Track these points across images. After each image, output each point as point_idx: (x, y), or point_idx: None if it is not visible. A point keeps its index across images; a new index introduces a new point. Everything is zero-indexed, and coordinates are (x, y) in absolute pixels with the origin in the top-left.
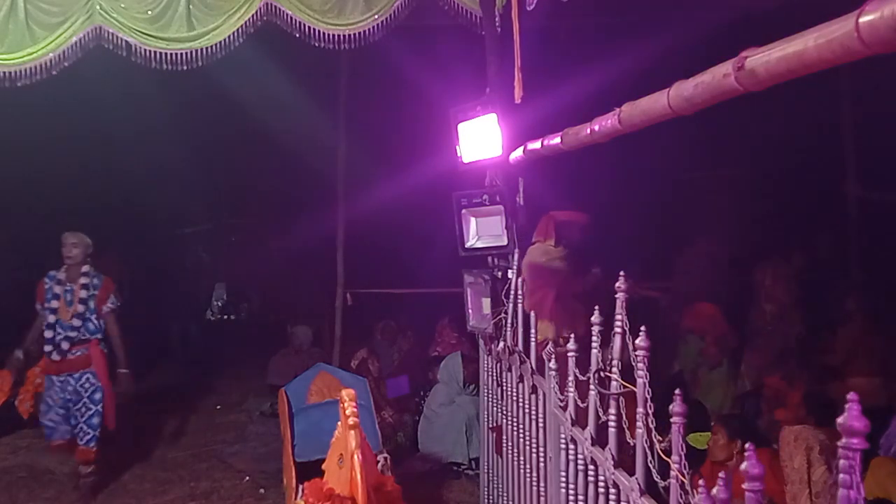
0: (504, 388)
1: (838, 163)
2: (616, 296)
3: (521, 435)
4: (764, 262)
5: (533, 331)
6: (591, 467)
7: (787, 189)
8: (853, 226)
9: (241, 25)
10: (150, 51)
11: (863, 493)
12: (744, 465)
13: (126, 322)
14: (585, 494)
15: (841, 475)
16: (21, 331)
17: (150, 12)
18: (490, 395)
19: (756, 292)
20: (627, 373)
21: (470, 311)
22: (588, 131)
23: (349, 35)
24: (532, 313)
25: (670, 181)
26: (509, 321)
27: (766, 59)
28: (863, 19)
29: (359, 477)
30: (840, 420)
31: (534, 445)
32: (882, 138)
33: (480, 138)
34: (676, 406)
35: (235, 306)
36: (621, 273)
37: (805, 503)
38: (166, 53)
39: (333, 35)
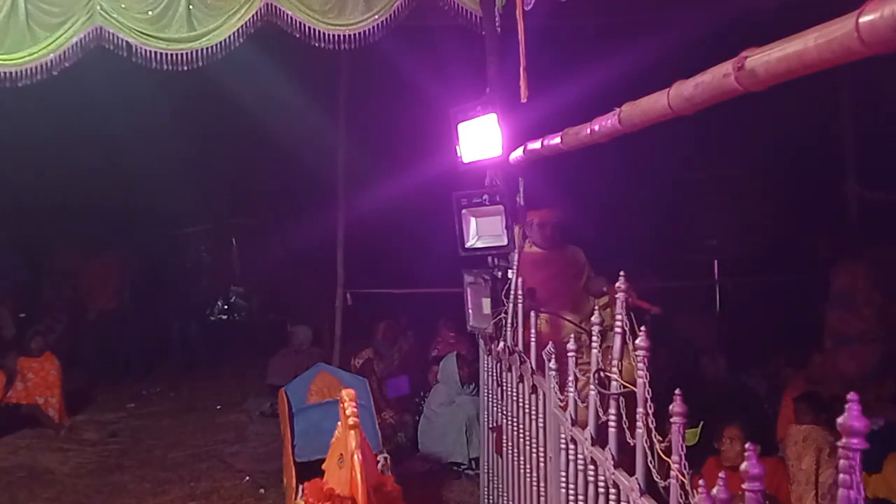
0: (504, 388)
1: (838, 163)
2: (616, 296)
3: (521, 435)
4: (846, 262)
5: (533, 330)
6: (591, 467)
7: (787, 189)
8: (853, 225)
9: (242, 26)
10: (150, 51)
11: (863, 493)
12: (744, 465)
13: (127, 322)
14: (585, 494)
15: (841, 475)
16: (22, 330)
17: (150, 13)
18: (490, 395)
19: (846, 296)
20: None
21: (470, 311)
22: (588, 131)
23: (349, 35)
24: (533, 313)
25: (670, 181)
26: (509, 321)
27: (766, 59)
28: (863, 19)
29: (359, 477)
30: (840, 420)
31: (534, 445)
32: (882, 138)
33: (480, 138)
34: (676, 406)
35: (235, 306)
36: (621, 273)
37: None
38: (166, 54)
39: (333, 35)
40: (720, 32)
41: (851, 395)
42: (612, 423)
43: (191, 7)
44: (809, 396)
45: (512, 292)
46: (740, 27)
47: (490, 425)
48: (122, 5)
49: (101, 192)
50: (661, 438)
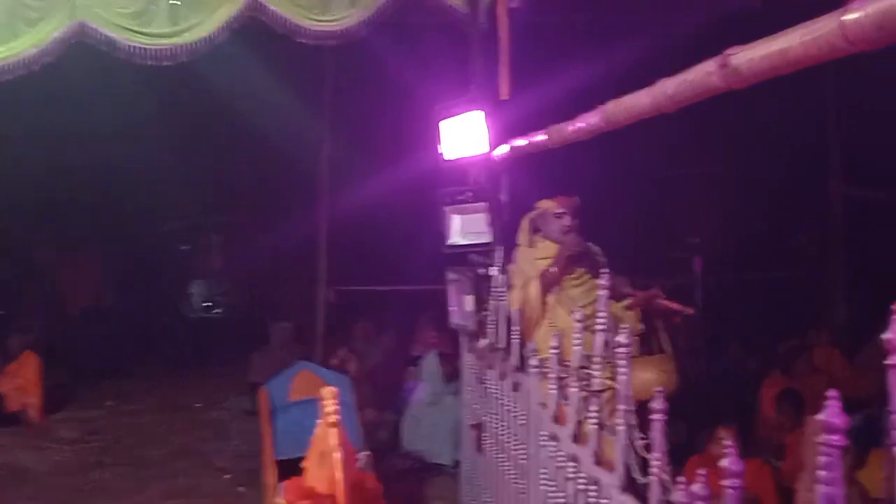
0: (485, 385)
1: (823, 160)
2: (598, 293)
3: (502, 432)
4: None
5: (516, 328)
6: (571, 464)
7: (771, 186)
8: (837, 223)
9: (225, 21)
10: (132, 46)
11: (843, 491)
12: (723, 462)
13: (107, 320)
14: (565, 491)
15: (821, 472)
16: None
17: (132, 7)
18: (471, 393)
19: None
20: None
21: (453, 308)
22: (573, 128)
23: (334, 32)
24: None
25: (653, 178)
26: (492, 319)
27: (749, 56)
28: (847, 17)
29: (339, 475)
30: (820, 417)
31: (514, 442)
32: (866, 135)
33: (465, 135)
34: (657, 403)
35: (217, 303)
36: (609, 275)
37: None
38: (149, 49)
39: (318, 31)
40: (705, 30)
41: (832, 392)
42: (592, 421)
43: (172, 1)
44: (790, 394)
45: (495, 290)
46: (725, 25)
47: (471, 422)
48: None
49: (83, 187)
50: (642, 435)
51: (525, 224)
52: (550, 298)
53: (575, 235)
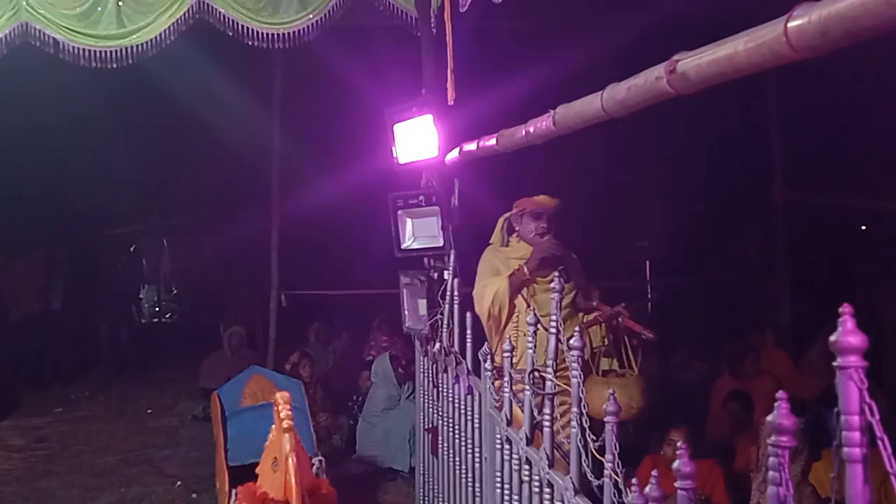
0: (440, 389)
1: (766, 165)
2: (552, 296)
3: (457, 435)
4: None
5: (469, 332)
6: (525, 467)
7: (717, 191)
8: (780, 227)
9: (173, 23)
10: (78, 48)
11: (791, 490)
12: (676, 464)
13: (53, 325)
14: (520, 494)
15: (770, 472)
16: None
17: (78, 9)
18: (426, 397)
19: None
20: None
21: (406, 312)
22: (523, 133)
23: (283, 34)
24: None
25: (603, 182)
26: (445, 322)
27: (697, 62)
28: (791, 24)
29: (293, 480)
30: (769, 418)
31: (469, 446)
32: (808, 141)
33: (416, 139)
34: (610, 406)
35: (167, 308)
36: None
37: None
38: (95, 51)
39: (267, 34)
40: (654, 35)
41: (781, 394)
42: (546, 423)
43: (120, 3)
44: (739, 395)
45: (448, 293)
46: (673, 30)
47: (426, 426)
48: (49, 1)
49: (28, 187)
50: (594, 438)
51: (500, 223)
52: (519, 301)
53: (551, 238)
